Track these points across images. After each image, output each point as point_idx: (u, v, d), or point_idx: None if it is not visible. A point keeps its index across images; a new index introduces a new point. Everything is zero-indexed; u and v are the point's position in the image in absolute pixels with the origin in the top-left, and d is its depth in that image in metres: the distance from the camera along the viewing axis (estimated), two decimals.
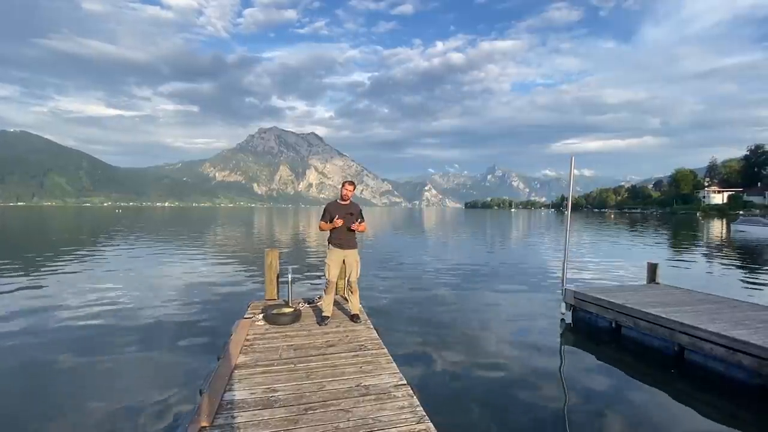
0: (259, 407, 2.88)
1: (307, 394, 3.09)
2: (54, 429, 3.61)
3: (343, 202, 5.04)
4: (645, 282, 8.03)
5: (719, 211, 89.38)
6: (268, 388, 3.19)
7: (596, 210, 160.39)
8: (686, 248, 20.58)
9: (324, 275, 5.08)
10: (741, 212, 73.35)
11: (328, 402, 2.96)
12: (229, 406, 2.90)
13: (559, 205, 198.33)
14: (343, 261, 5.02)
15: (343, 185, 5.08)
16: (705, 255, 17.68)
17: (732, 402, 4.22)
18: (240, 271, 12.24)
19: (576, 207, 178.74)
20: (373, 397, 3.05)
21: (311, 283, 9.90)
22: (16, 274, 11.06)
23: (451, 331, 6.52)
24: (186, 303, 8.10)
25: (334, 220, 4.84)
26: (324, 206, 5.20)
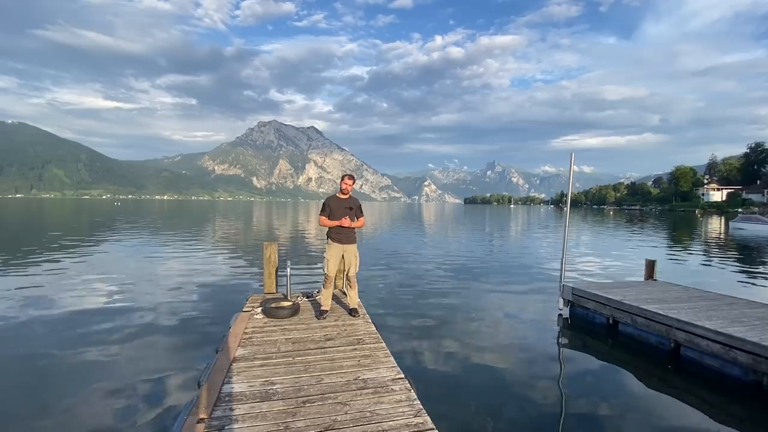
0: (258, 400, 2.90)
1: (305, 387, 3.10)
2: (53, 422, 3.63)
3: (342, 196, 5.03)
4: (643, 278, 8.07)
5: (718, 209, 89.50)
6: (267, 381, 3.21)
7: (595, 207, 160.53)
8: (684, 245, 20.64)
9: (323, 269, 5.09)
10: (740, 210, 73.44)
11: (326, 395, 2.98)
12: (227, 398, 2.92)
13: (558, 202, 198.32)
14: (342, 255, 5.03)
15: (342, 179, 5.06)
16: (703, 252, 17.74)
17: (727, 398, 4.26)
18: (239, 264, 12.25)
19: (575, 203, 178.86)
20: (370, 390, 3.07)
21: (310, 277, 9.91)
22: (13, 267, 11.06)
23: (449, 325, 6.54)
24: (185, 296, 8.11)
25: (341, 219, 4.84)
26: (323, 200, 5.19)
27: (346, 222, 4.83)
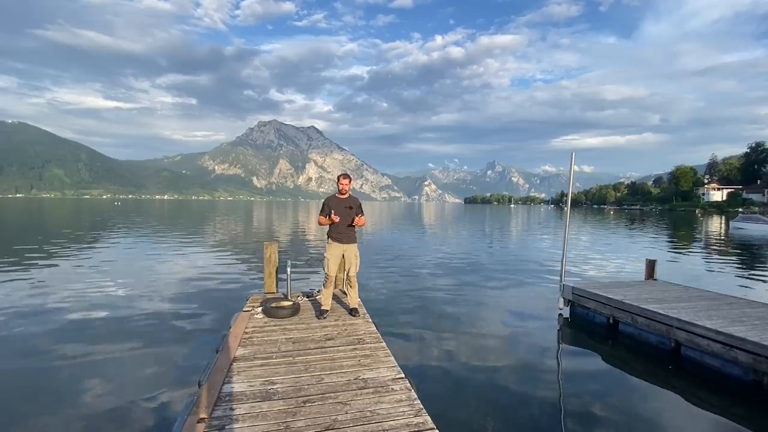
0: (258, 399, 2.90)
1: (306, 386, 3.10)
2: (53, 421, 3.63)
3: (341, 196, 5.02)
4: (643, 278, 8.06)
5: (718, 209, 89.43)
6: (267, 380, 3.21)
7: (596, 206, 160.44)
8: (685, 245, 20.63)
9: (323, 269, 5.09)
10: (740, 209, 73.38)
11: (326, 395, 2.98)
12: (227, 398, 2.92)
13: (558, 201, 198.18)
14: (343, 255, 5.03)
15: (338, 179, 5.06)
16: (703, 252, 17.73)
17: (727, 398, 4.26)
18: (239, 264, 12.25)
19: (575, 203, 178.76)
20: (371, 390, 3.07)
21: (310, 277, 9.91)
22: (13, 267, 11.06)
23: (449, 325, 6.55)
24: (185, 296, 8.12)
25: (331, 215, 4.83)
26: (323, 200, 5.19)
27: (336, 219, 4.81)
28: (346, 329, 4.53)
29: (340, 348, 3.94)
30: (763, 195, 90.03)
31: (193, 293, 8.33)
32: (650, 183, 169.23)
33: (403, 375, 3.35)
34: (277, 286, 6.19)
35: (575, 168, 7.22)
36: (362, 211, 5.08)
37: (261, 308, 5.09)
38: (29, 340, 5.60)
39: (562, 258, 7.15)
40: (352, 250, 5.02)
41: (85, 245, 16.00)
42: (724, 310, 5.61)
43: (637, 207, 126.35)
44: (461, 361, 5.05)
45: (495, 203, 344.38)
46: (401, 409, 2.78)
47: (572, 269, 11.66)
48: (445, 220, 46.84)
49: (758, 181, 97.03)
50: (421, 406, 2.82)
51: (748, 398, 4.19)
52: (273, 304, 5.00)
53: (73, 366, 4.78)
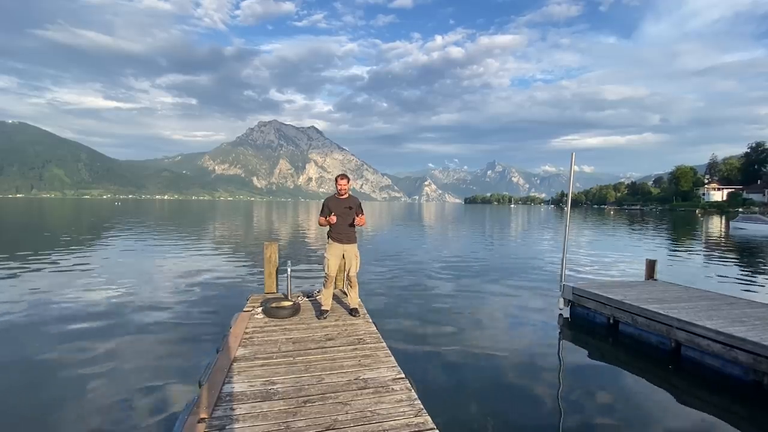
0: (258, 399, 2.90)
1: (306, 386, 3.11)
2: (53, 421, 3.63)
3: (340, 197, 5.03)
4: (643, 278, 8.06)
5: (719, 209, 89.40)
6: (267, 380, 3.21)
7: (596, 206, 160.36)
8: (685, 245, 20.62)
9: (323, 269, 5.09)
10: (740, 210, 73.37)
11: (326, 395, 2.98)
12: (228, 398, 2.92)
13: (558, 201, 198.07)
14: (343, 255, 5.03)
15: (336, 180, 5.06)
16: (704, 252, 17.73)
17: (727, 398, 4.26)
18: (239, 264, 12.25)
19: (576, 203, 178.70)
20: (371, 390, 3.07)
21: (310, 277, 9.91)
22: (13, 267, 11.06)
23: (450, 325, 6.55)
24: (185, 296, 8.12)
25: (329, 216, 4.85)
26: (323, 201, 5.20)
27: (332, 219, 4.83)
28: (346, 329, 4.53)
29: (340, 348, 3.94)
30: (764, 195, 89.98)
31: (194, 293, 8.33)
32: (650, 183, 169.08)
33: (403, 375, 3.35)
34: (277, 286, 6.20)
35: (575, 168, 7.22)
36: (362, 211, 5.09)
37: (261, 308, 5.09)
38: (30, 339, 5.60)
39: (563, 258, 7.15)
40: (352, 250, 5.03)
41: (85, 246, 16.01)
42: (724, 310, 5.61)
43: (638, 207, 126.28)
44: (461, 361, 5.05)
45: (495, 203, 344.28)
46: (401, 409, 2.78)
47: (572, 269, 11.66)
48: (445, 220, 46.82)
49: (758, 181, 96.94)
50: (422, 406, 2.82)
51: (748, 398, 4.19)
52: (273, 304, 5.00)
53: (73, 366, 4.78)
